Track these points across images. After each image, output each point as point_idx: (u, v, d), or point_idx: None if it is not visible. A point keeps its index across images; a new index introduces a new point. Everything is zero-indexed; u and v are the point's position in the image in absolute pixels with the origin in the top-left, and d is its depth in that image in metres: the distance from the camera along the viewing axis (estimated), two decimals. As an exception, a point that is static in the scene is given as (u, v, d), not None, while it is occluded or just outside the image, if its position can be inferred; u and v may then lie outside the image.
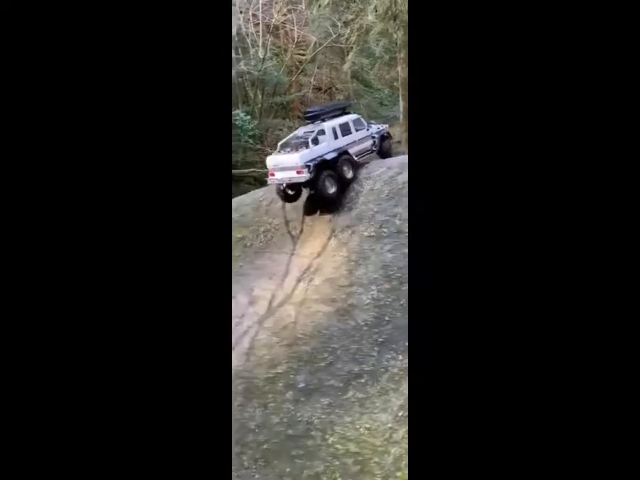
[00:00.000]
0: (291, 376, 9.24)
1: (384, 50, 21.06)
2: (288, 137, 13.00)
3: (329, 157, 11.95)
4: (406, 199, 10.97)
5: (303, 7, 23.00)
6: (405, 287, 9.48)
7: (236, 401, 8.84)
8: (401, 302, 9.31)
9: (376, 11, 17.07)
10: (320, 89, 26.01)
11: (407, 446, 7.90)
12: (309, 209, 12.29)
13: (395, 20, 16.55)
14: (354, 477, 7.55)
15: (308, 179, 11.46)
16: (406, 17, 15.52)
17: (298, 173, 11.47)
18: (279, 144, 12.68)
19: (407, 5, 14.38)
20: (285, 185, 12.00)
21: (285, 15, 23.32)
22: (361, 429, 8.26)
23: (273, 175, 11.79)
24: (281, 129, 21.86)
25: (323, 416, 8.72)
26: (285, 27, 23.98)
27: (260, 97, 22.94)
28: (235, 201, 12.73)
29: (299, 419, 8.78)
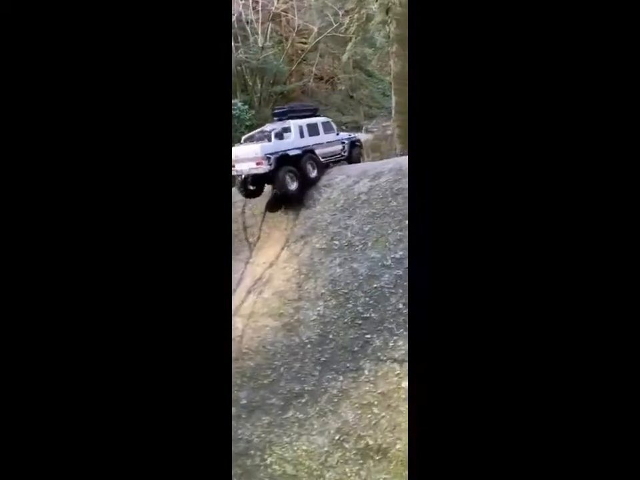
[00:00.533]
0: (235, 392, 9.16)
1: (385, 40, 20.58)
2: (254, 132, 12.76)
3: (292, 153, 11.68)
4: (359, 211, 10.85)
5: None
6: (350, 305, 9.41)
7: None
8: (345, 320, 9.22)
9: (376, 0, 16.78)
10: (322, 79, 25.53)
11: (340, 471, 7.93)
12: (272, 205, 12.10)
13: (387, 13, 16.23)
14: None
15: (267, 171, 11.17)
16: (399, 9, 15.32)
17: (257, 164, 11.19)
18: (243, 138, 12.45)
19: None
20: (244, 177, 11.70)
21: (285, 2, 22.72)
22: (299, 451, 8.23)
23: (233, 166, 11.42)
24: (279, 119, 21.36)
25: (263, 434, 8.68)
26: (287, 14, 23.35)
27: (259, 85, 22.27)
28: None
29: (240, 437, 8.73)
